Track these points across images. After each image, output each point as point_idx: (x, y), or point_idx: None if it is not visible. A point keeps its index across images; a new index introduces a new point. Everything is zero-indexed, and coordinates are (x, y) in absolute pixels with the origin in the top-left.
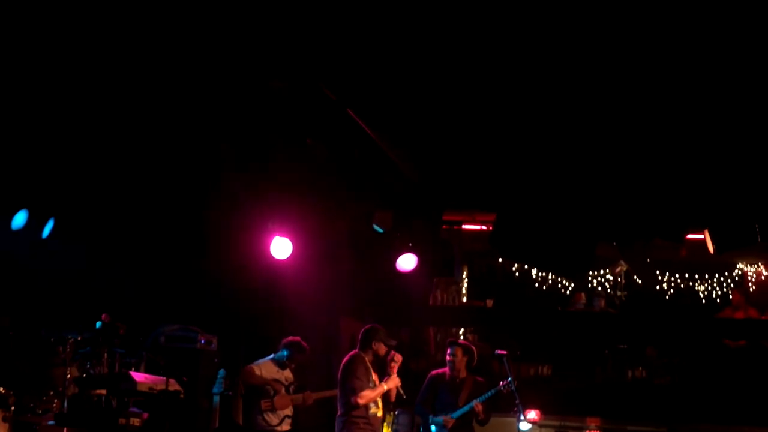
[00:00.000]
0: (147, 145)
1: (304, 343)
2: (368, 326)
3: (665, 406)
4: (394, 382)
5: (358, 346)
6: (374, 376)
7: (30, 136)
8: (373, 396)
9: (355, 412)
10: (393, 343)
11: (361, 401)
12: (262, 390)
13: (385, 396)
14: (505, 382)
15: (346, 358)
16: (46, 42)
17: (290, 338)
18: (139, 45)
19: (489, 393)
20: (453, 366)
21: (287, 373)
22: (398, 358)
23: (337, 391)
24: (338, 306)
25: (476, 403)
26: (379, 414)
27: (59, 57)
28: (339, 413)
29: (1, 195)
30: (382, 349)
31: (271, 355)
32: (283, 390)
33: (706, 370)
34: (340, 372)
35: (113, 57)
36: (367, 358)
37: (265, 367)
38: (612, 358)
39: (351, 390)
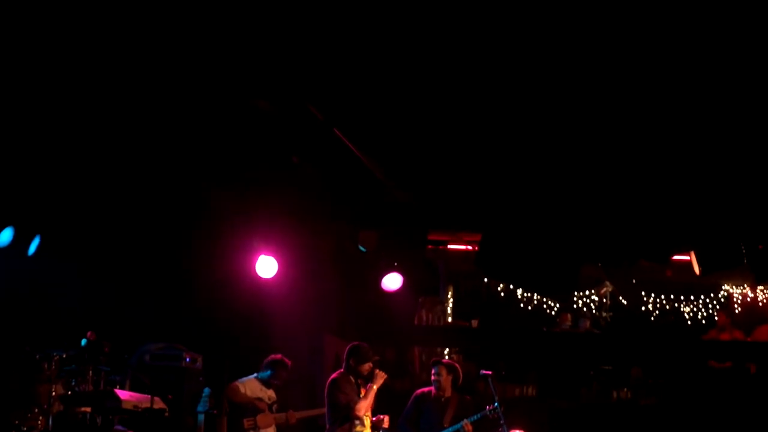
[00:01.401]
0: (133, 163)
1: (286, 360)
2: (352, 344)
3: (650, 427)
4: (381, 378)
5: (343, 365)
6: (363, 392)
7: (16, 152)
8: (367, 403)
9: (339, 430)
10: (375, 358)
11: (360, 413)
12: (246, 408)
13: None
14: (491, 407)
15: (331, 377)
16: (32, 59)
17: (272, 357)
18: (127, 63)
19: (476, 416)
20: (438, 385)
21: (271, 392)
22: (381, 374)
23: (319, 411)
24: (323, 325)
25: (466, 423)
26: None
27: (45, 73)
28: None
29: None
30: (366, 366)
31: (255, 374)
32: (266, 409)
33: (691, 391)
34: (326, 390)
35: (101, 74)
36: (352, 377)
37: (249, 386)
38: (597, 378)
39: (345, 407)
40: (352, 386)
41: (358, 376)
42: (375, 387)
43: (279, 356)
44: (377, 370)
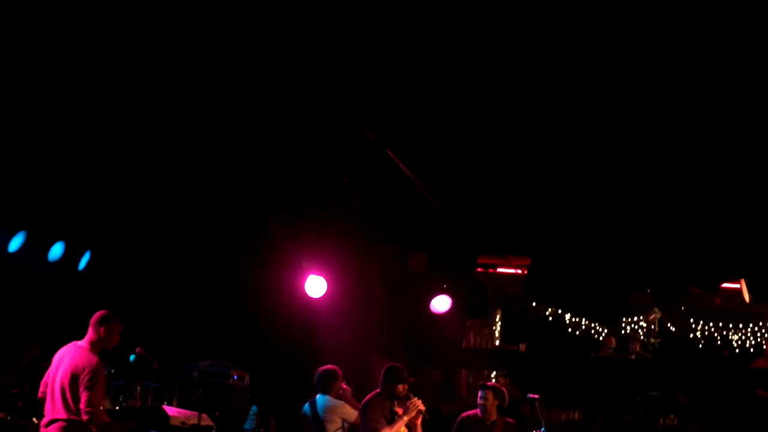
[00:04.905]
0: (185, 182)
1: (334, 368)
2: (387, 366)
3: None
4: (414, 409)
5: (379, 387)
6: (399, 412)
7: (69, 170)
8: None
9: None
10: (410, 379)
11: None
12: None
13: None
14: (537, 431)
15: (365, 400)
16: (84, 75)
17: (323, 370)
18: (182, 84)
19: None
20: (484, 409)
21: None
22: (416, 405)
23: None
24: (371, 346)
25: None
26: None
27: (100, 89)
28: None
29: (39, 227)
30: (400, 387)
31: (333, 397)
32: None
33: (737, 419)
34: (359, 413)
35: (155, 93)
36: (386, 400)
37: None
38: (644, 405)
39: None
40: (383, 410)
41: (393, 398)
42: (405, 418)
43: (329, 367)
44: (414, 399)
